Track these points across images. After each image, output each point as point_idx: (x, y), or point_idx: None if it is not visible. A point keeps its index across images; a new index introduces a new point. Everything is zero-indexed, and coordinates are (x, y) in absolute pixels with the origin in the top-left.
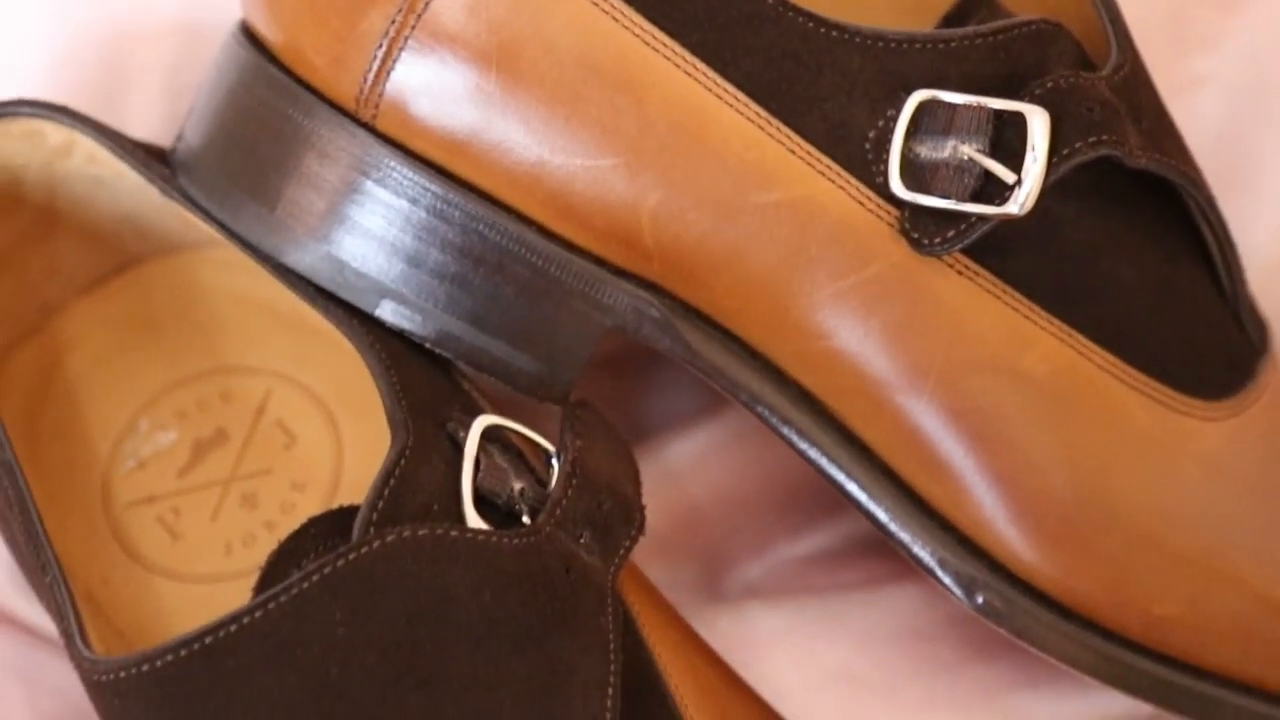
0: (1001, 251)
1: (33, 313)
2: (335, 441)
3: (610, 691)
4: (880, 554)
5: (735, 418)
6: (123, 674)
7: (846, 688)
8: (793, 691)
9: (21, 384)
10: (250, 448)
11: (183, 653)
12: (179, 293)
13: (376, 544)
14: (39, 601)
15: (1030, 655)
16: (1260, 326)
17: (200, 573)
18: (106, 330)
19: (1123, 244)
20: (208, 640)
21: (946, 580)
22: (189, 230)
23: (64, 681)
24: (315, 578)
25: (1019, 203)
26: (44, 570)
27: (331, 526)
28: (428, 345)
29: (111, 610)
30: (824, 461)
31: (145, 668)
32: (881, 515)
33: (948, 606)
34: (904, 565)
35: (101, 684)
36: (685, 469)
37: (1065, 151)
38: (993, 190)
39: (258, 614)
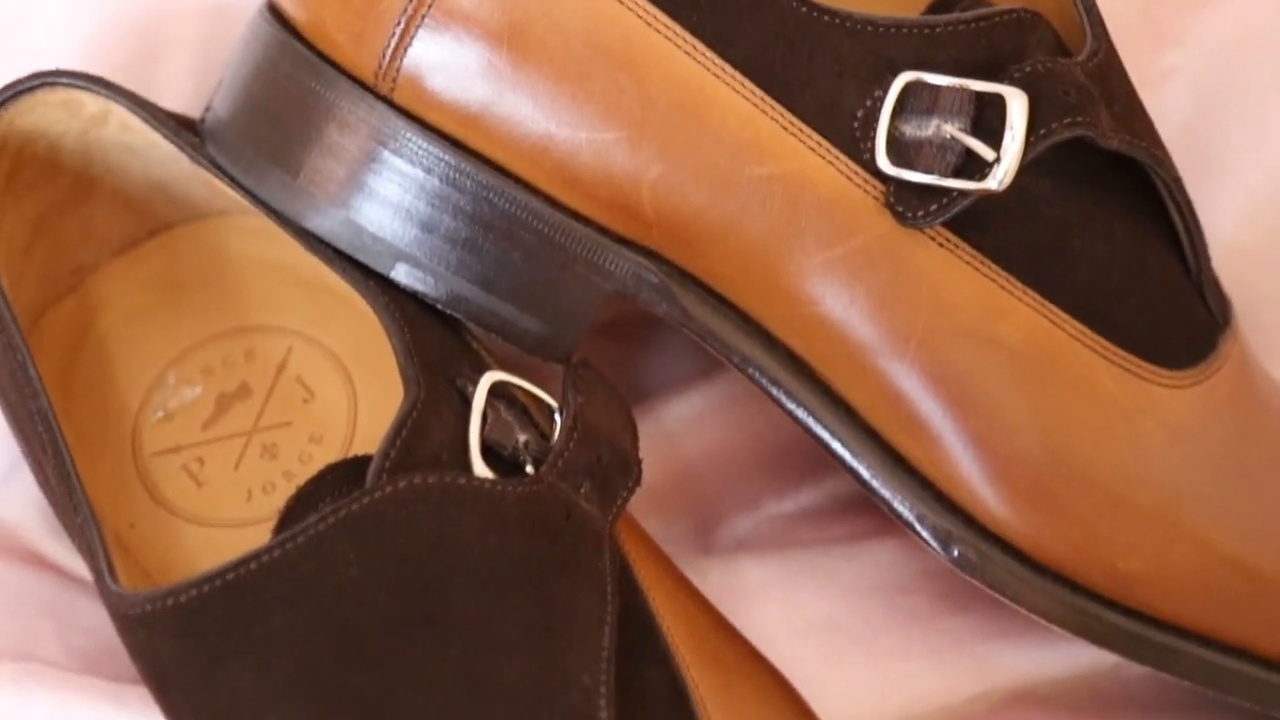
0: (980, 225)
1: (68, 273)
2: (351, 398)
3: (607, 630)
4: (862, 511)
5: (728, 382)
6: (149, 608)
7: (829, 636)
8: (778, 639)
9: (57, 339)
10: (271, 402)
11: (205, 588)
12: (206, 256)
13: (389, 489)
14: (71, 543)
15: (1002, 607)
16: (1222, 302)
17: (223, 518)
18: (137, 290)
19: (1095, 221)
20: (229, 577)
21: (924, 534)
22: (216, 198)
23: (94, 621)
24: (331, 520)
25: (998, 179)
26: (75, 511)
27: (347, 474)
28: (439, 306)
29: (139, 553)
30: (811, 421)
31: (170, 602)
32: (864, 472)
33: (925, 561)
34: (884, 522)
35: (129, 618)
36: (680, 429)
37: (1042, 131)
38: (973, 167)
39: (276, 553)
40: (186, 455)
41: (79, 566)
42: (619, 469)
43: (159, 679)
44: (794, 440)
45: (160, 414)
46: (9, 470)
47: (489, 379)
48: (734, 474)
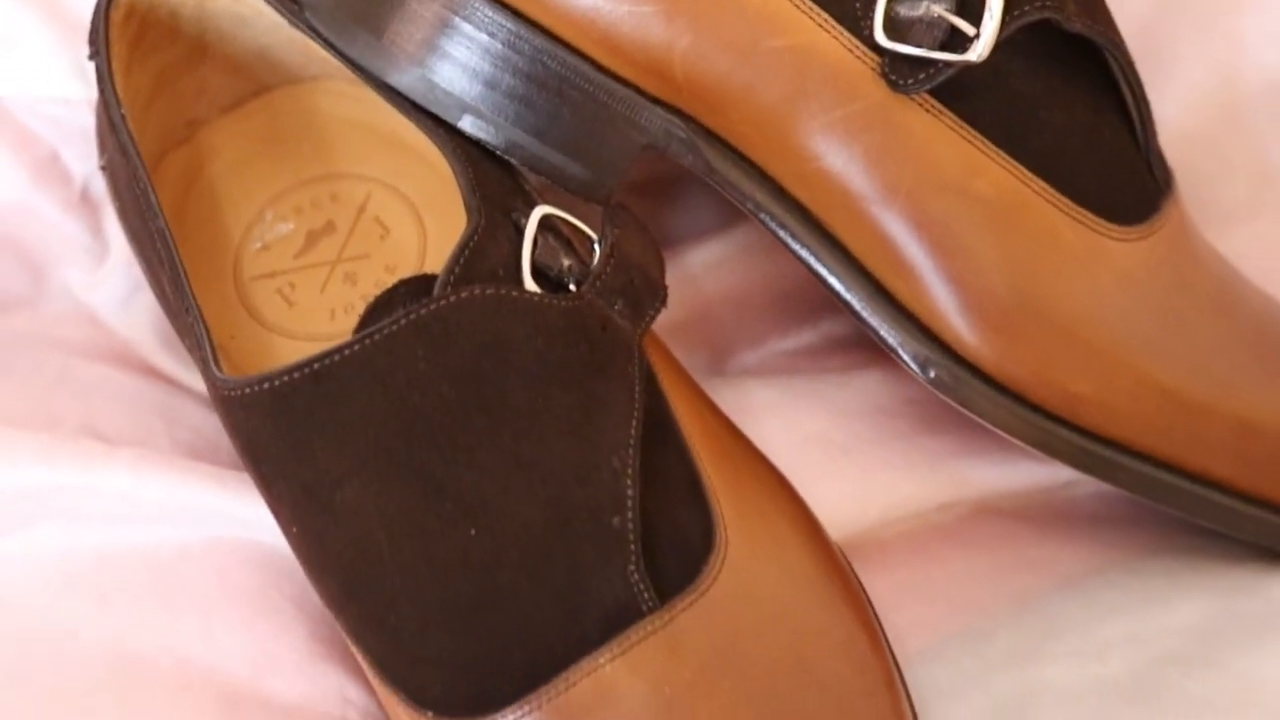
0: (961, 95)
1: (183, 125)
2: (420, 235)
3: (634, 424)
4: (854, 348)
5: (743, 234)
6: (247, 390)
7: (822, 449)
8: (779, 450)
9: (173, 181)
10: (353, 237)
11: (296, 375)
12: (300, 115)
13: (453, 297)
14: (180, 357)
15: (972, 429)
16: (1165, 170)
17: (309, 332)
18: (241, 142)
19: (1058, 95)
20: (316, 366)
21: (906, 358)
22: (310, 64)
23: (197, 420)
24: (403, 321)
25: (977, 52)
26: (186, 312)
27: (417, 287)
28: (499, 152)
29: (238, 359)
30: (813, 261)
31: (265, 386)
32: (856, 305)
33: (907, 389)
34: (872, 356)
35: (230, 399)
36: (701, 273)
37: (1016, 13)
38: (956, 42)
39: (356, 347)
40: (280, 280)
41: (185, 376)
42: (648, 292)
43: (254, 454)
44: (798, 287)
45: (259, 245)
46: (128, 295)
47: (539, 211)
48: (746, 313)
